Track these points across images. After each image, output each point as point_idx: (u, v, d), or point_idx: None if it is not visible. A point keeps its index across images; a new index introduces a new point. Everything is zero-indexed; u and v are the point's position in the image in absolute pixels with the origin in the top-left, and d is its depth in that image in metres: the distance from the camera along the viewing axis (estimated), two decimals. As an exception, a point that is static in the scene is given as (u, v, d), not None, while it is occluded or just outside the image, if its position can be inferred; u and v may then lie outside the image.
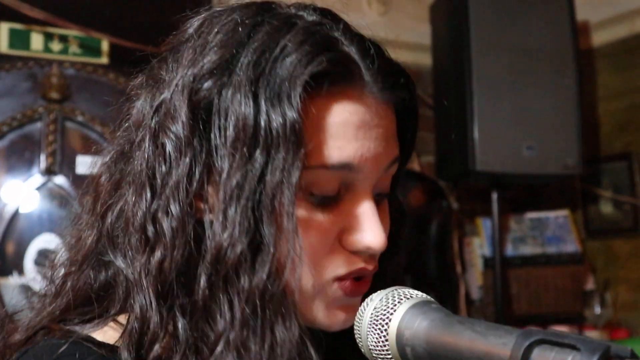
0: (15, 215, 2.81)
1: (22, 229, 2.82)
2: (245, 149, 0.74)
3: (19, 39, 2.88)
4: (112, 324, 0.79)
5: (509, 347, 0.57)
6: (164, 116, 0.78)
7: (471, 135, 2.85)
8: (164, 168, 0.77)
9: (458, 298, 3.24)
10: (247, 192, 0.74)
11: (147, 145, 0.79)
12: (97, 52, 3.00)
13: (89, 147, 2.95)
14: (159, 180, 0.77)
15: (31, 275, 2.77)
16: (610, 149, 3.33)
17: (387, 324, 0.70)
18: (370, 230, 0.78)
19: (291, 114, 0.73)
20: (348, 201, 0.79)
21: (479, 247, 3.26)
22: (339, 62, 0.77)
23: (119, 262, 0.80)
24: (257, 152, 0.74)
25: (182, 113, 0.76)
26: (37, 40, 2.91)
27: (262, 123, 0.74)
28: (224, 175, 0.74)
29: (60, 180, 2.87)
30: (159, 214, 0.76)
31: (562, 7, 2.99)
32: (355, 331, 0.75)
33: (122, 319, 0.79)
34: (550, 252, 3.20)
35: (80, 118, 2.93)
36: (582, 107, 2.97)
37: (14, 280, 2.77)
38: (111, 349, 0.76)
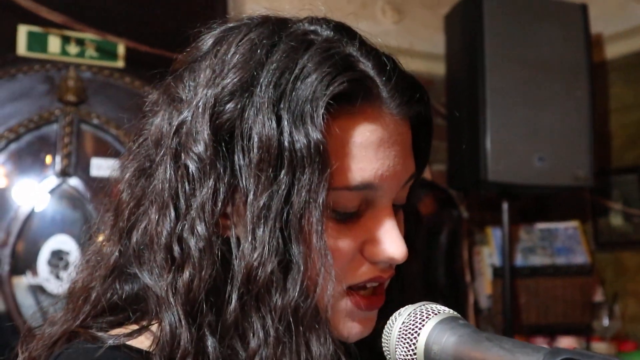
0: (30, 215, 2.84)
1: (36, 229, 2.85)
2: (270, 170, 0.75)
3: (36, 42, 2.91)
4: (144, 332, 0.81)
5: (537, 365, 0.59)
6: (185, 137, 0.80)
7: (483, 145, 2.86)
8: (187, 189, 0.79)
9: (466, 307, 3.25)
10: (275, 213, 0.75)
11: (168, 165, 0.80)
12: (113, 56, 3.03)
13: (103, 150, 2.99)
14: (182, 201, 0.79)
15: (44, 275, 2.80)
16: (621, 162, 3.34)
17: (415, 338, 0.72)
18: (392, 243, 0.81)
19: (315, 135, 0.75)
20: (369, 216, 0.82)
21: (489, 256, 3.27)
22: (358, 81, 0.79)
23: (146, 279, 0.81)
24: (283, 173, 0.75)
25: (205, 135, 0.77)
26: (54, 44, 2.95)
27: (287, 144, 0.75)
28: (251, 196, 0.76)
29: (74, 182, 2.90)
30: (185, 234, 0.78)
31: (577, 20, 3.01)
32: (383, 344, 0.77)
33: (154, 328, 0.81)
34: (560, 263, 3.21)
35: (95, 121, 2.97)
36: (593, 120, 2.98)
37: (27, 280, 2.80)
38: (145, 355, 0.78)
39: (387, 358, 0.76)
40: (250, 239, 0.76)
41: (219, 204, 0.78)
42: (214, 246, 0.77)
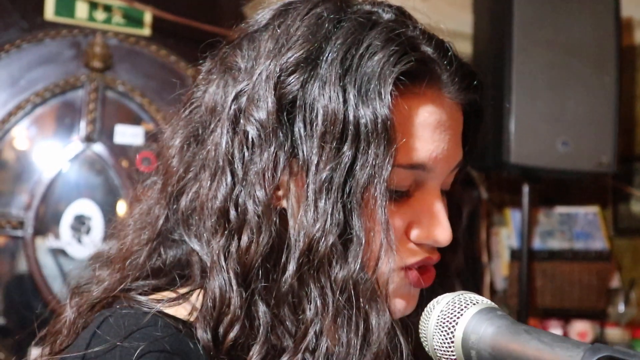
0: (54, 180, 2.86)
1: (60, 193, 2.88)
2: (334, 143, 0.76)
3: (64, 7, 2.92)
4: (184, 301, 0.82)
5: (577, 361, 0.60)
6: (246, 104, 0.80)
7: (507, 127, 2.85)
8: (246, 154, 0.80)
9: (482, 287, 3.26)
10: (337, 185, 0.76)
11: (225, 131, 0.81)
12: (139, 23, 3.03)
13: (128, 117, 3.02)
14: (240, 166, 0.80)
15: (66, 239, 2.83)
16: (644, 149, 3.32)
17: (454, 327, 0.73)
18: (440, 226, 0.83)
19: (383, 111, 0.76)
20: (418, 197, 0.83)
21: (507, 238, 3.27)
22: (423, 62, 0.80)
23: (194, 244, 0.83)
24: (346, 146, 0.77)
25: (269, 102, 0.78)
26: (82, 9, 2.95)
27: (352, 118, 0.76)
28: (313, 167, 0.77)
29: (98, 148, 2.92)
30: (243, 199, 0.79)
31: (608, 3, 2.96)
32: (420, 331, 0.78)
33: (194, 297, 0.82)
34: (578, 248, 3.20)
35: (121, 88, 2.98)
36: (620, 105, 2.95)
37: (49, 242, 2.84)
38: (186, 324, 0.79)
39: (424, 345, 0.77)
40: (312, 210, 0.77)
41: (279, 172, 0.79)
42: (272, 213, 0.79)
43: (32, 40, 2.86)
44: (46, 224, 2.86)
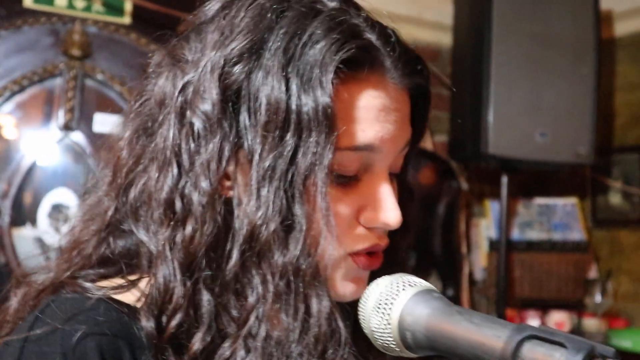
0: (32, 168, 2.85)
1: (38, 181, 2.87)
2: (277, 132, 0.78)
3: (43, -6, 2.90)
4: (132, 287, 0.83)
5: (502, 340, 0.61)
6: (192, 95, 0.81)
7: (485, 118, 2.86)
8: (192, 146, 0.81)
9: (461, 278, 3.28)
10: (280, 173, 0.78)
11: (172, 123, 0.82)
12: (119, 12, 3.02)
13: (107, 106, 3.00)
14: (186, 158, 0.81)
15: (44, 227, 2.83)
16: (623, 140, 3.34)
17: (390, 308, 0.73)
18: (388, 209, 0.83)
19: (323, 99, 0.77)
20: (366, 181, 0.84)
21: (486, 229, 3.29)
22: (364, 49, 0.81)
23: (141, 235, 0.84)
24: (289, 135, 0.78)
25: (213, 94, 0.79)
26: (61, -4, 2.94)
27: (294, 107, 0.78)
28: (256, 156, 0.78)
29: (77, 136, 2.90)
30: (187, 190, 0.80)
31: (587, -4, 2.98)
32: (359, 313, 0.79)
33: (142, 284, 0.83)
34: (556, 239, 3.23)
35: (100, 76, 2.96)
36: (598, 97, 2.97)
37: (27, 231, 2.83)
38: (132, 310, 0.80)
39: (363, 327, 0.78)
40: (254, 198, 0.78)
41: (224, 162, 0.80)
42: (217, 202, 0.80)
43: (10, 28, 2.84)
44: (24, 212, 2.85)
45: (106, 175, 0.92)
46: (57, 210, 2.85)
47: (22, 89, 2.85)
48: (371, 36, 0.83)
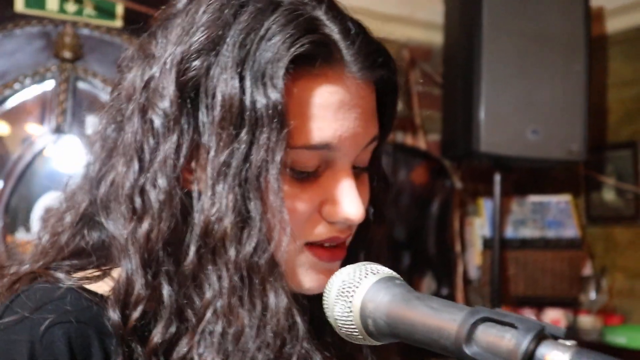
0: (24, 172, 2.85)
1: (31, 186, 2.87)
2: (231, 128, 0.78)
3: (34, -1, 2.91)
4: (105, 277, 0.84)
5: (457, 323, 0.61)
6: (152, 93, 0.82)
7: (477, 116, 2.86)
8: (152, 143, 0.81)
9: (455, 277, 3.28)
10: (234, 170, 0.78)
11: (136, 119, 0.83)
12: (111, 15, 3.02)
13: (99, 108, 2.99)
14: (147, 154, 0.82)
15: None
16: (616, 137, 3.34)
17: (352, 296, 0.74)
18: (348, 203, 0.83)
19: (274, 96, 0.77)
20: (328, 176, 0.84)
21: (480, 227, 3.29)
22: (320, 43, 0.80)
23: (111, 228, 0.85)
24: (243, 132, 0.78)
25: (170, 91, 0.80)
26: (52, 1, 2.94)
27: (248, 103, 0.78)
28: (212, 153, 0.79)
29: (69, 139, 2.91)
30: (147, 187, 0.81)
31: (577, -7, 2.99)
32: (323, 301, 0.79)
33: (115, 275, 0.84)
34: (550, 236, 3.22)
35: (91, 79, 2.97)
36: (590, 94, 2.97)
37: (20, 236, 2.83)
38: (102, 299, 0.81)
39: (327, 316, 0.78)
40: (209, 194, 0.79)
41: (181, 159, 0.80)
42: (174, 199, 0.80)
43: (1, 31, 2.85)
44: (17, 217, 2.85)
45: (82, 168, 0.93)
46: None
47: (14, 92, 2.86)
48: (330, 29, 0.82)
